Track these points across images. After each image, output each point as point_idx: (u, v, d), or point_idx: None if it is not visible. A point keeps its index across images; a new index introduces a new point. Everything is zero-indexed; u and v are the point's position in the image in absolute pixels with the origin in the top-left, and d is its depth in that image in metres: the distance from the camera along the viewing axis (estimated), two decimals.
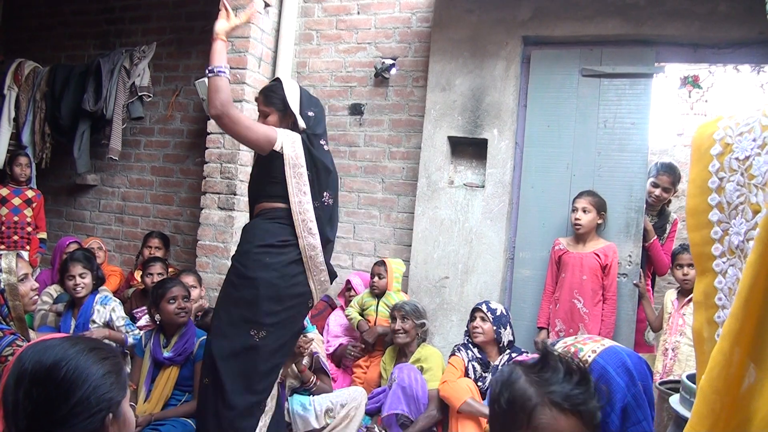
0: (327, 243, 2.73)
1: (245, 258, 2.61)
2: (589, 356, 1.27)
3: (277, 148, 2.60)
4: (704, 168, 0.99)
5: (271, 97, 2.74)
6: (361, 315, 3.89)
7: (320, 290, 2.75)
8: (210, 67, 2.55)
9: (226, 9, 2.70)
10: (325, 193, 2.73)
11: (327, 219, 2.74)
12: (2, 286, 2.61)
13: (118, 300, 3.59)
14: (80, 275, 3.43)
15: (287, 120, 2.72)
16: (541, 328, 3.64)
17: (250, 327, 2.55)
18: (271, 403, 2.66)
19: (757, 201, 0.89)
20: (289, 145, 2.61)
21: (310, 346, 3.24)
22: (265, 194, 2.69)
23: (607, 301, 3.46)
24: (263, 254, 2.58)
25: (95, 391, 1.18)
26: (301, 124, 2.70)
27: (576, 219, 3.49)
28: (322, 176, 2.72)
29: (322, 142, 2.76)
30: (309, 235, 2.63)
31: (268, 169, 2.64)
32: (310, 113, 2.75)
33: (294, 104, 2.71)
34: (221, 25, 2.68)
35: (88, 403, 1.17)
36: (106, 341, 3.14)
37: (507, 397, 1.22)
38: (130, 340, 3.37)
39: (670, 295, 3.52)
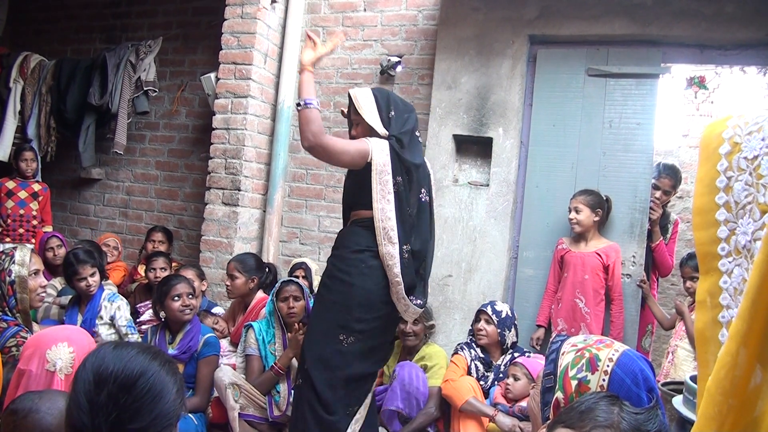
0: (413, 253, 2.65)
1: (342, 262, 2.63)
2: (608, 365, 1.25)
3: (369, 158, 2.58)
4: (712, 167, 0.98)
5: (354, 106, 2.72)
6: None
7: (401, 304, 2.64)
8: (299, 101, 2.54)
9: (312, 39, 2.66)
10: (422, 190, 2.70)
11: (414, 226, 2.67)
12: (13, 278, 2.64)
13: (125, 300, 3.55)
14: (90, 275, 3.38)
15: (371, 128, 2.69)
16: (539, 326, 3.65)
17: (340, 332, 2.55)
18: (363, 411, 2.64)
19: (764, 201, 0.89)
20: (378, 152, 2.58)
21: None
22: (359, 203, 2.67)
23: (614, 302, 3.45)
24: (358, 261, 2.59)
25: (170, 405, 1.21)
26: (380, 130, 2.65)
27: (570, 219, 3.50)
28: (414, 177, 2.67)
29: (416, 134, 2.74)
30: (389, 244, 2.58)
31: (361, 179, 2.61)
32: (391, 114, 2.69)
33: (367, 112, 2.66)
34: (308, 56, 2.64)
35: (166, 416, 1.20)
36: None
37: (587, 405, 1.15)
38: None
39: (688, 300, 3.53)
